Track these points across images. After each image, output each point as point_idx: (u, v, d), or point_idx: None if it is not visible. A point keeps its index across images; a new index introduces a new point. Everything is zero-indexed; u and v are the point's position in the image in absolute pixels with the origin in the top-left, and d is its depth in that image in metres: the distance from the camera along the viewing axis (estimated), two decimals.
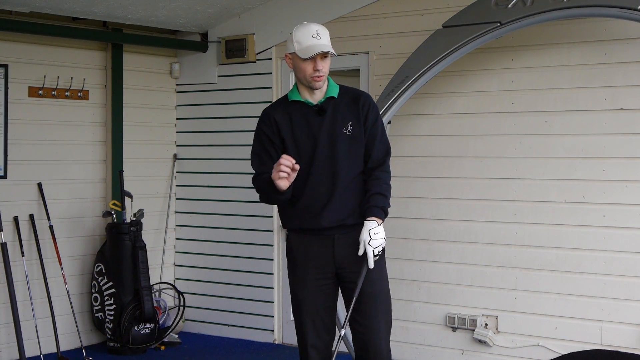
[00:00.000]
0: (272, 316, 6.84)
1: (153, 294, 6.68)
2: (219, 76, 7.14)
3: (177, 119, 7.40)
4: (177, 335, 6.93)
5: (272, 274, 6.81)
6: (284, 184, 3.74)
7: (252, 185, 4.02)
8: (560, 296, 5.49)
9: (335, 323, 4.12)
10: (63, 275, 6.36)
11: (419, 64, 5.43)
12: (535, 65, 5.58)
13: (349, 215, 3.91)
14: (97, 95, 6.81)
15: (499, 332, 5.73)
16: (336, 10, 6.36)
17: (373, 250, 3.83)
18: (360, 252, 3.86)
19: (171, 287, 7.11)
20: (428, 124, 6.00)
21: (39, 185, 6.40)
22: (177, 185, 7.39)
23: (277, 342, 6.84)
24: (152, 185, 7.22)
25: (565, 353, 5.33)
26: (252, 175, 4.00)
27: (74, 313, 6.37)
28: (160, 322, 6.81)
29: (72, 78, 6.59)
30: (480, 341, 5.77)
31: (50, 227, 6.38)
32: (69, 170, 6.63)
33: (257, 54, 6.89)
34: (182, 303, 6.96)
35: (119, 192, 6.63)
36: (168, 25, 6.95)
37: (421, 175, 5.94)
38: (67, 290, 6.35)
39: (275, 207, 6.75)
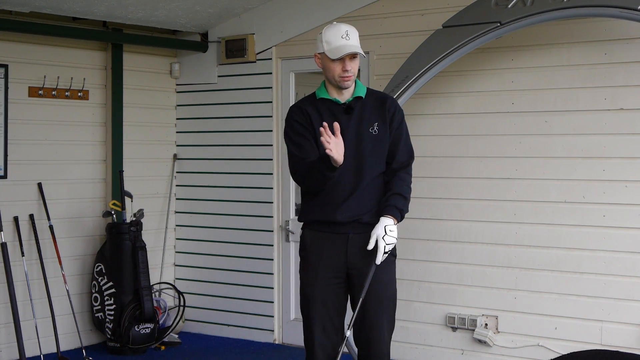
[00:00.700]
0: (272, 316, 6.84)
1: (153, 294, 6.68)
2: (219, 76, 7.14)
3: (177, 119, 7.40)
4: (177, 335, 6.93)
5: (272, 274, 6.81)
6: (337, 155, 3.66)
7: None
8: (560, 296, 5.49)
9: (344, 325, 4.11)
10: (63, 275, 6.36)
11: (419, 64, 5.43)
12: (535, 65, 5.58)
13: (365, 213, 3.95)
14: (97, 95, 6.81)
15: (499, 332, 5.73)
16: (336, 10, 6.36)
17: (385, 247, 3.85)
18: (371, 246, 3.87)
19: (171, 287, 7.11)
20: (428, 124, 6.00)
21: (39, 185, 6.40)
22: (177, 185, 7.39)
23: (277, 342, 6.84)
24: (152, 185, 7.22)
25: (565, 353, 5.33)
26: (292, 170, 3.99)
27: (74, 313, 6.37)
28: (160, 322, 6.81)
29: (72, 78, 6.59)
30: (480, 341, 5.77)
31: (50, 227, 6.38)
32: (69, 170, 6.63)
33: (257, 54, 6.88)
34: (182, 303, 6.96)
35: (119, 192, 6.64)
36: (168, 25, 6.95)
37: (421, 175, 5.91)
38: (67, 290, 6.35)
39: (275, 207, 6.77)
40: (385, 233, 3.87)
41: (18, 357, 5.90)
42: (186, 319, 7.24)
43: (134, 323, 6.39)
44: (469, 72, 5.81)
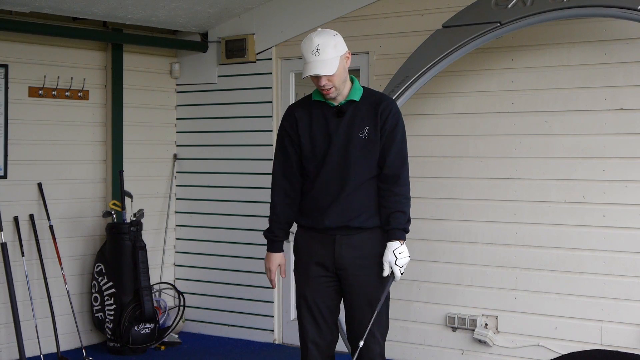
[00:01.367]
0: (272, 316, 6.84)
1: (153, 294, 6.68)
2: (219, 76, 7.14)
3: (177, 119, 7.40)
4: (177, 335, 6.93)
5: None
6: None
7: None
8: (560, 296, 5.49)
9: (338, 325, 4.15)
10: (63, 275, 6.36)
11: (419, 64, 5.42)
12: (535, 65, 5.58)
13: (354, 218, 3.93)
14: (97, 95, 6.81)
15: (499, 332, 5.73)
16: (336, 10, 6.36)
17: (400, 270, 3.92)
18: (385, 273, 3.92)
19: (171, 287, 7.11)
20: (428, 124, 6.00)
21: (39, 185, 6.40)
22: (177, 185, 7.39)
23: (277, 342, 6.84)
24: (152, 185, 7.22)
25: (565, 353, 5.33)
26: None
27: (74, 313, 6.37)
28: (160, 322, 6.81)
29: (72, 78, 6.59)
30: (480, 341, 5.76)
31: (51, 227, 6.38)
32: (69, 170, 6.63)
33: (257, 54, 6.88)
34: (182, 303, 6.96)
35: (119, 192, 6.63)
36: (168, 25, 6.95)
37: (421, 175, 5.93)
38: (67, 290, 6.35)
39: None
40: (396, 257, 3.90)
41: (18, 357, 5.90)
42: (186, 319, 7.24)
43: (134, 323, 6.39)
44: (469, 72, 5.81)
